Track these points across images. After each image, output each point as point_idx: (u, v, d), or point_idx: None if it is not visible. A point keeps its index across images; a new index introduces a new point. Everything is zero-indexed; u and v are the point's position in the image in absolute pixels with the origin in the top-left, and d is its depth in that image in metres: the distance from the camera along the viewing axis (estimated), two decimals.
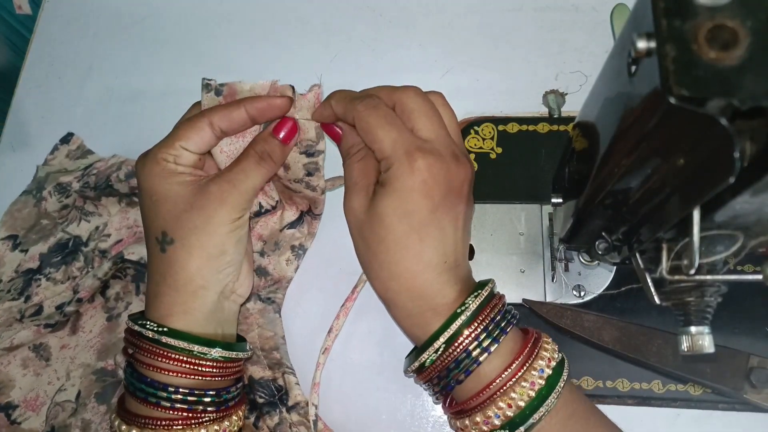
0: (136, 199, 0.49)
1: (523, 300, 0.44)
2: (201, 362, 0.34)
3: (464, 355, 0.32)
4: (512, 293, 0.45)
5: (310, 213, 0.48)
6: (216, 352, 0.35)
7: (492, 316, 0.33)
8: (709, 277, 0.28)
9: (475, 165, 0.49)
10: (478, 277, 0.46)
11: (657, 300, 0.30)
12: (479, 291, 0.34)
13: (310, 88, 0.39)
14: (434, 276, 0.33)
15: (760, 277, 0.28)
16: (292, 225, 0.47)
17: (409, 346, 0.47)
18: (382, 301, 0.36)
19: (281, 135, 0.37)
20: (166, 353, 0.34)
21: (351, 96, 0.36)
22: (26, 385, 0.45)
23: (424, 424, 0.44)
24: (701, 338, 0.29)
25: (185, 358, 0.34)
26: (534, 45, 0.54)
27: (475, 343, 0.32)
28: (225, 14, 0.58)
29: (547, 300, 0.44)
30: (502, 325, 0.33)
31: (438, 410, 0.44)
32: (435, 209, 0.33)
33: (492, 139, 0.49)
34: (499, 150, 0.49)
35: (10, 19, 0.71)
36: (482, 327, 0.32)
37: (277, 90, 0.37)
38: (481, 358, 0.32)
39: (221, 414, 0.36)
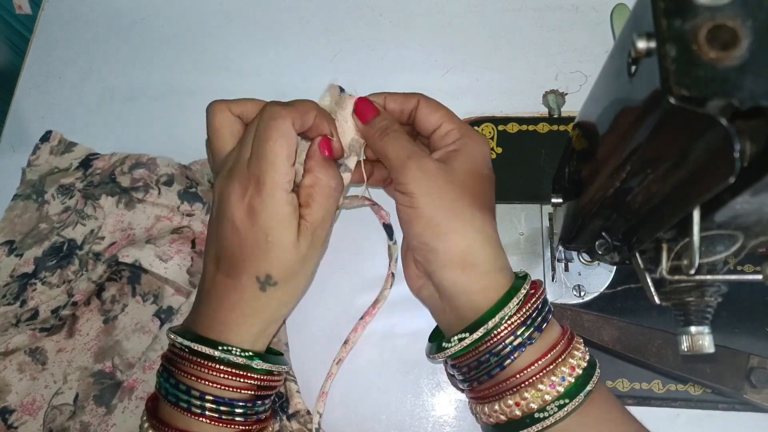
0: (137, 196, 0.49)
1: None
2: (254, 376, 0.35)
3: (501, 346, 0.33)
4: None
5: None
6: (285, 369, 0.37)
7: (535, 306, 0.34)
8: (709, 277, 0.28)
9: None
10: None
11: (657, 300, 0.30)
12: (524, 284, 0.35)
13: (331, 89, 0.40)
14: (493, 252, 0.35)
15: (760, 277, 0.28)
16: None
17: (409, 346, 0.47)
18: (427, 269, 0.36)
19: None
20: (237, 372, 0.34)
21: (399, 94, 0.41)
22: (23, 389, 0.44)
23: (424, 424, 0.44)
24: (701, 338, 0.29)
25: (247, 374, 0.35)
26: (534, 45, 0.54)
27: (512, 337, 0.33)
28: (225, 14, 0.58)
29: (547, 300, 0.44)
30: (544, 313, 0.34)
31: (438, 410, 0.44)
32: (491, 177, 0.38)
33: (492, 139, 0.49)
34: (499, 150, 0.49)
35: (10, 19, 0.71)
36: (526, 316, 0.33)
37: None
38: (515, 354, 0.32)
39: (259, 426, 0.36)
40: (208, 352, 0.34)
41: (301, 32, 0.57)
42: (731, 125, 0.18)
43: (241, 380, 0.34)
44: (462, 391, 0.38)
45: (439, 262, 0.35)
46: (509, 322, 0.33)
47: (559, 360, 0.32)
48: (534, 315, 0.33)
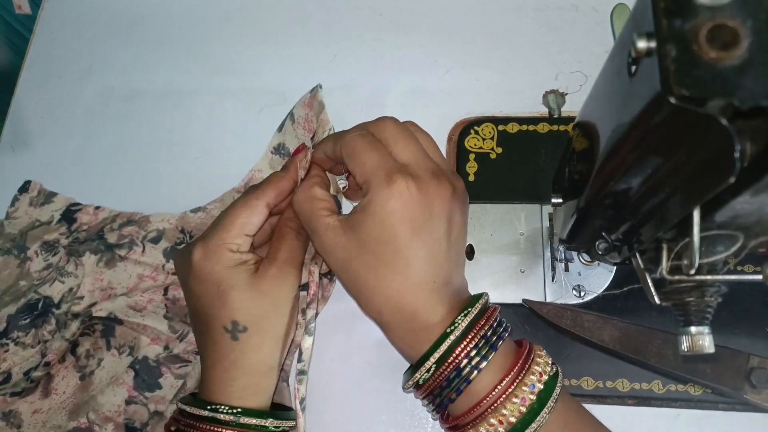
0: (120, 253, 0.48)
1: (523, 300, 0.44)
2: None
3: (455, 373, 0.32)
4: (512, 293, 0.45)
5: (328, 275, 0.47)
6: (288, 424, 0.36)
7: (483, 332, 0.33)
8: (709, 277, 0.28)
9: (475, 165, 0.49)
10: (478, 277, 0.46)
11: (657, 300, 0.30)
12: (469, 309, 0.33)
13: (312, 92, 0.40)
14: (424, 296, 0.33)
15: (760, 277, 0.28)
16: (303, 287, 0.45)
17: None
18: (377, 324, 0.36)
19: None
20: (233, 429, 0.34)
21: (340, 133, 0.37)
22: None
23: (424, 424, 0.44)
24: (701, 338, 0.29)
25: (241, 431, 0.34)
26: (534, 45, 0.54)
27: (466, 360, 0.32)
28: (225, 14, 0.58)
29: (547, 300, 0.44)
30: (493, 341, 0.33)
31: None
32: (418, 231, 0.33)
33: (492, 139, 0.49)
34: (499, 150, 0.49)
35: (10, 19, 0.71)
36: (473, 344, 0.32)
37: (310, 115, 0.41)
38: (471, 377, 0.32)
39: None
40: (197, 413, 0.34)
41: (301, 32, 0.57)
42: (731, 125, 0.18)
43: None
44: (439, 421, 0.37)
45: (378, 324, 0.36)
46: (462, 344, 0.32)
47: (518, 380, 0.32)
48: (488, 334, 0.33)
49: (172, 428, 0.36)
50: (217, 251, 0.35)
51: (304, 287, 0.40)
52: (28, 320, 0.47)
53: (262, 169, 0.49)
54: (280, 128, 0.46)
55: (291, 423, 0.37)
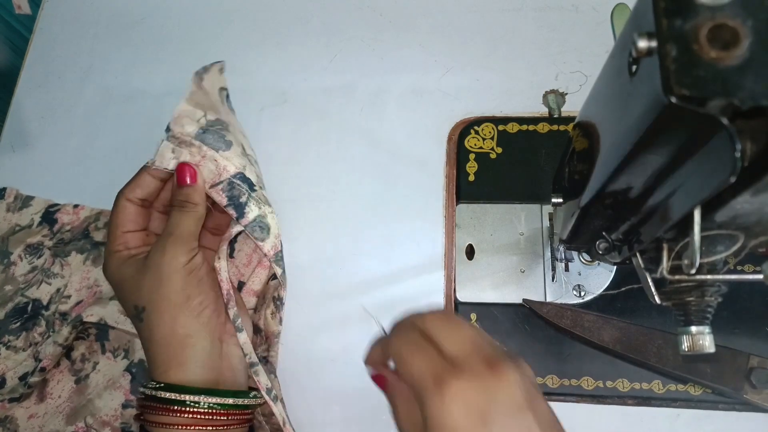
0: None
1: (523, 300, 0.44)
2: (198, 412, 0.35)
3: None
4: (512, 293, 0.45)
5: (273, 277, 0.46)
6: (208, 400, 0.35)
7: None
8: (709, 276, 0.28)
9: (475, 165, 0.49)
10: (478, 277, 0.47)
11: (657, 300, 0.30)
12: None
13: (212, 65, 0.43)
14: None
15: (760, 277, 0.28)
16: (275, 276, 0.46)
17: None
18: None
19: (187, 181, 0.40)
20: (165, 408, 0.35)
21: (386, 338, 0.33)
22: None
23: None
24: (701, 338, 0.29)
25: (181, 408, 0.35)
26: (534, 45, 0.54)
27: None
28: (225, 14, 0.58)
29: (547, 300, 0.44)
30: None
31: None
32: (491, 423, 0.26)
33: (492, 139, 0.49)
34: (499, 150, 0.49)
35: (10, 19, 0.71)
36: None
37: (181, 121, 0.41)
38: None
39: None
40: (140, 392, 0.37)
41: (301, 32, 0.57)
42: (732, 125, 0.18)
43: (170, 415, 0.35)
44: None
45: None
46: None
47: None
48: None
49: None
50: (109, 258, 0.39)
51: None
52: (18, 324, 0.47)
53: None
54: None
55: (226, 400, 0.36)
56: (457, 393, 0.26)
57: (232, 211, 0.41)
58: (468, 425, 0.26)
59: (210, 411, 0.35)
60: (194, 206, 0.39)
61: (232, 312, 0.40)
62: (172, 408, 0.35)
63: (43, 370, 0.44)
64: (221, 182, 0.41)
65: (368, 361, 0.35)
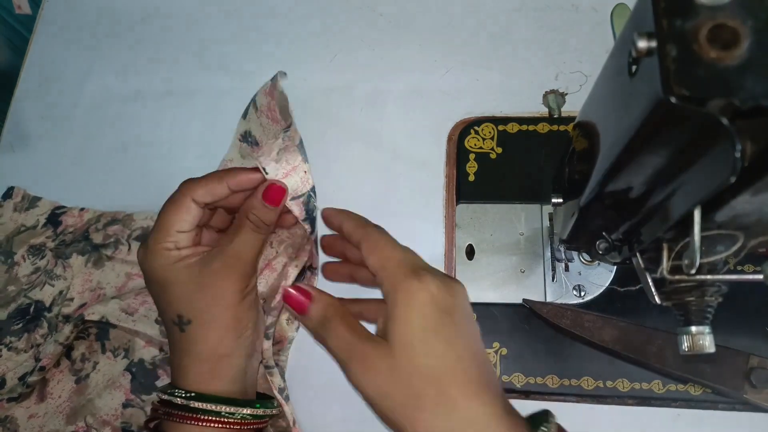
0: (107, 254, 0.48)
1: (523, 300, 0.44)
2: (229, 423, 0.35)
3: None
4: (512, 293, 0.45)
5: (310, 268, 0.46)
6: (246, 411, 0.36)
7: None
8: (709, 276, 0.28)
9: (475, 165, 0.49)
10: (478, 277, 0.46)
11: (657, 300, 0.30)
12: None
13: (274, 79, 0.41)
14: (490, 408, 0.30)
15: (760, 277, 0.28)
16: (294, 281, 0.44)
17: None
18: None
19: (276, 203, 0.37)
20: (195, 417, 0.34)
21: (364, 221, 0.37)
22: None
23: None
24: (702, 338, 0.29)
25: (214, 418, 0.35)
26: (534, 45, 0.54)
27: None
28: (225, 14, 0.58)
29: (548, 300, 0.44)
30: None
31: None
32: (457, 322, 0.32)
33: (492, 139, 0.49)
34: (499, 150, 0.49)
35: (10, 19, 0.71)
36: None
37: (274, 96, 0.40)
38: None
39: None
40: (162, 397, 0.36)
41: (301, 32, 0.57)
42: (732, 125, 0.18)
43: (197, 424, 0.34)
44: None
45: None
46: None
47: None
48: None
49: (149, 416, 0.37)
50: (154, 251, 0.36)
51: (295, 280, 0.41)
52: (20, 325, 0.47)
53: (234, 158, 0.47)
54: (245, 115, 0.45)
55: (257, 411, 0.37)
56: (432, 282, 0.32)
57: (307, 226, 0.40)
58: (436, 312, 0.31)
59: (240, 421, 0.35)
60: (267, 228, 0.38)
61: (269, 320, 0.40)
62: (201, 417, 0.34)
63: (43, 369, 0.44)
64: (302, 195, 0.39)
65: (324, 243, 0.40)
